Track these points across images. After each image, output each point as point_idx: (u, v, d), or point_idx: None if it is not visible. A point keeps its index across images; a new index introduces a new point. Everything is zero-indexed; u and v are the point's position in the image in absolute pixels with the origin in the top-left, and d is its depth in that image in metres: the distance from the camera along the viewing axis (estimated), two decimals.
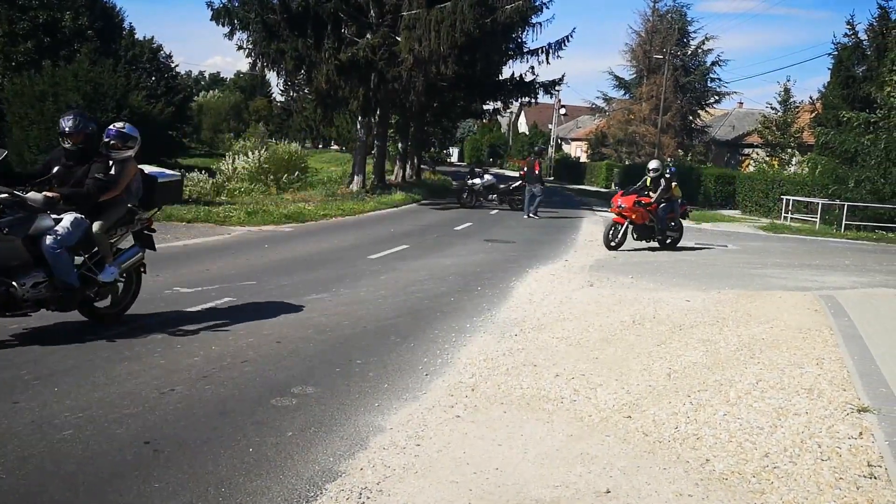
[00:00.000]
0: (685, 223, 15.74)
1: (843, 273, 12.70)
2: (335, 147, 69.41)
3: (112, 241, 6.58)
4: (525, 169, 22.89)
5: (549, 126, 63.06)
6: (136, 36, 45.57)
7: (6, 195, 5.63)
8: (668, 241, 14.82)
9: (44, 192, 5.91)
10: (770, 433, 4.67)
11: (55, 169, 6.23)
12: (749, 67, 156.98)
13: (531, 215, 21.79)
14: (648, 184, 14.64)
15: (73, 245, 6.04)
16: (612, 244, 14.33)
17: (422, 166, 41.22)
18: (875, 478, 4.05)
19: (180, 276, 9.45)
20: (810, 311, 8.45)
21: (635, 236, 14.61)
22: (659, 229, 14.60)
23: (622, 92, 49.89)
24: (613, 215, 14.73)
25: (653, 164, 15.19)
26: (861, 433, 4.66)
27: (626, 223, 14.27)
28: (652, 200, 14.29)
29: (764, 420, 4.88)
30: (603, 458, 4.33)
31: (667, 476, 4.12)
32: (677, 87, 44.54)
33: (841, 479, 4.05)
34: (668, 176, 14.76)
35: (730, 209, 30.16)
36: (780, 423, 4.84)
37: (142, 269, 6.99)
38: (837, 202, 22.69)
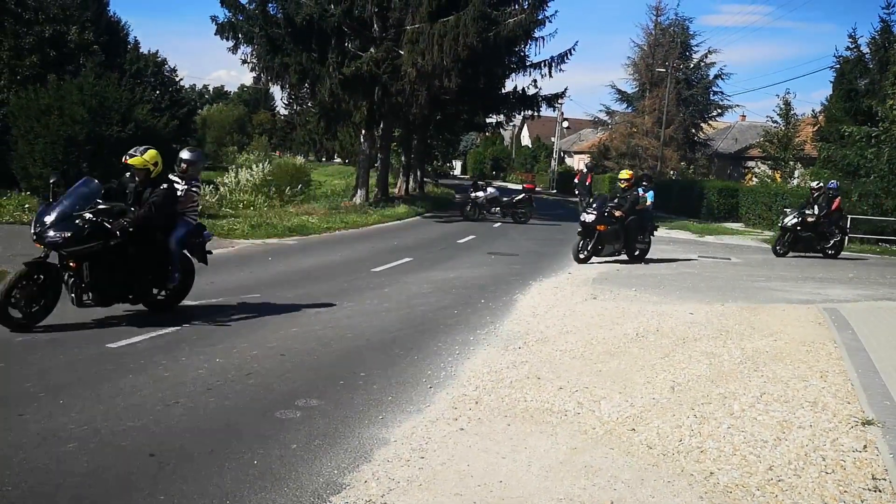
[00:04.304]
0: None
1: (847, 286, 12.69)
2: (338, 160, 69.63)
3: None
4: (577, 181, 24.76)
5: (552, 139, 63.24)
6: (141, 50, 45.83)
7: None
8: None
9: None
10: (774, 446, 4.67)
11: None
12: (752, 80, 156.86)
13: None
14: None
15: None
16: None
17: (425, 179, 41.31)
18: (879, 491, 4.05)
19: None
20: (814, 324, 8.45)
21: None
22: None
23: (625, 105, 50.00)
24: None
25: None
26: (865, 446, 4.66)
27: None
28: None
29: (768, 433, 4.88)
30: (607, 471, 4.33)
31: (671, 489, 4.11)
32: (680, 101, 44.66)
33: (845, 492, 4.05)
34: None
35: (733, 222, 30.17)
36: (784, 436, 4.84)
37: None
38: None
